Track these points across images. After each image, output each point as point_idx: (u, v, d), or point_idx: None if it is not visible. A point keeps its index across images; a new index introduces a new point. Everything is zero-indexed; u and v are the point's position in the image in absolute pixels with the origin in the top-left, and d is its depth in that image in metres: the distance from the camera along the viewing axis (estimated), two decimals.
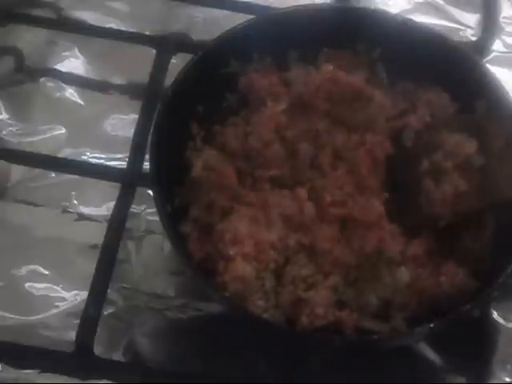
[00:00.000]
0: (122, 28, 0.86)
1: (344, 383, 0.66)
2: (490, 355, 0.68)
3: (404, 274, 0.64)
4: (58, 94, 0.81)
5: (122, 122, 0.79)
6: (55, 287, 0.69)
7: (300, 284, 0.64)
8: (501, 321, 0.70)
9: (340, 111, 0.71)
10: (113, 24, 0.86)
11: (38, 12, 0.86)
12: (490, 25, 0.89)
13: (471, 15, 0.90)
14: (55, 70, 0.82)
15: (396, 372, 0.67)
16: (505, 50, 0.88)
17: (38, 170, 0.75)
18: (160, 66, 0.82)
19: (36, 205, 0.73)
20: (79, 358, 0.66)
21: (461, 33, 0.88)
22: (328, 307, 0.63)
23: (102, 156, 0.77)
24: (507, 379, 0.67)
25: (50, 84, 0.81)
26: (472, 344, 0.68)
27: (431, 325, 0.60)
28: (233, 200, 0.66)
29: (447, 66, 0.72)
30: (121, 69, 0.83)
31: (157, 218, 0.64)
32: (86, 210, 0.73)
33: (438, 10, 0.90)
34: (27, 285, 0.69)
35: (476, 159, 0.69)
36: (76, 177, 0.75)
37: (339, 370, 0.66)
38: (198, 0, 0.88)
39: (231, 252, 0.63)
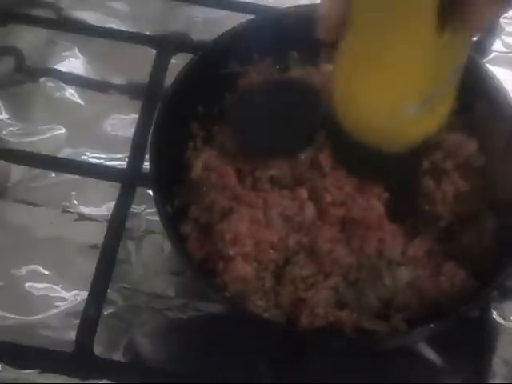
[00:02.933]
0: (122, 28, 0.86)
1: (344, 383, 0.66)
2: (490, 355, 0.68)
3: (404, 274, 0.64)
4: (58, 93, 0.81)
5: (122, 122, 0.79)
6: (55, 287, 0.69)
7: (300, 284, 0.64)
8: (501, 321, 0.70)
9: None
10: (113, 24, 0.86)
11: (38, 12, 0.86)
12: (490, 25, 0.89)
13: None
14: (55, 70, 0.82)
15: (396, 372, 0.67)
16: (505, 49, 0.88)
17: (37, 170, 0.75)
18: (160, 66, 0.82)
19: (36, 205, 0.73)
20: (79, 358, 0.66)
21: None
22: (328, 307, 0.63)
23: (102, 156, 0.77)
24: (507, 379, 0.67)
25: (50, 84, 0.81)
26: (472, 344, 0.68)
27: (431, 325, 0.60)
28: (233, 200, 0.66)
29: None
30: (121, 69, 0.83)
31: (157, 218, 0.64)
32: (86, 210, 0.73)
33: None
34: (27, 285, 0.69)
35: (476, 159, 0.70)
36: (76, 177, 0.75)
37: (339, 369, 0.66)
38: (197, 0, 0.88)
39: (231, 252, 0.63)
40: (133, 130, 0.77)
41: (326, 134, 0.67)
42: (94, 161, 0.77)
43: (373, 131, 0.57)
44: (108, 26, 0.86)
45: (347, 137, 0.59)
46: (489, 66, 0.75)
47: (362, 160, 0.63)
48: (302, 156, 0.69)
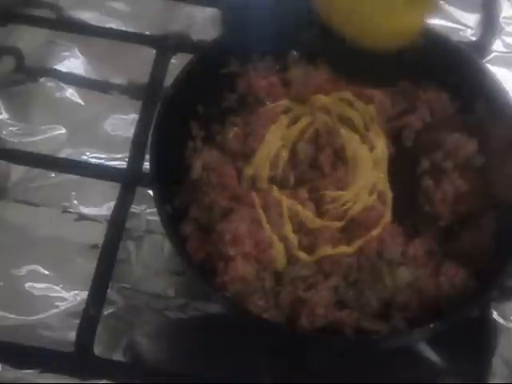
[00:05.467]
0: (122, 28, 0.86)
1: (344, 383, 0.66)
2: (490, 355, 0.68)
3: (404, 274, 0.64)
4: (58, 93, 0.81)
5: (122, 122, 0.79)
6: (55, 287, 0.69)
7: (300, 284, 0.64)
8: (501, 321, 0.70)
9: (340, 111, 0.71)
10: (113, 24, 0.86)
11: (38, 12, 0.86)
12: (489, 25, 0.89)
13: (471, 15, 0.90)
14: (55, 69, 0.82)
15: (396, 372, 0.67)
16: (505, 50, 0.88)
17: (37, 170, 0.75)
18: (160, 66, 0.82)
19: (36, 205, 0.73)
20: (79, 358, 0.66)
21: (461, 33, 0.88)
22: (328, 307, 0.63)
23: (102, 156, 0.77)
24: (507, 379, 0.67)
25: (50, 84, 0.81)
26: (472, 344, 0.68)
27: (431, 325, 0.60)
28: (233, 200, 0.66)
29: (447, 66, 0.72)
30: (121, 69, 0.83)
31: (157, 218, 0.64)
32: (86, 210, 0.73)
33: (438, 10, 0.90)
34: (27, 285, 0.69)
35: (476, 159, 0.70)
36: (76, 177, 0.75)
37: (339, 369, 0.66)
38: (197, 0, 0.88)
39: (231, 252, 0.63)
40: (133, 130, 0.78)
41: (317, 35, 0.69)
42: (93, 161, 0.77)
43: (358, 26, 0.63)
44: (108, 25, 0.86)
45: (338, 37, 0.64)
46: (489, 66, 0.75)
47: (353, 59, 0.66)
48: (303, 157, 0.70)
